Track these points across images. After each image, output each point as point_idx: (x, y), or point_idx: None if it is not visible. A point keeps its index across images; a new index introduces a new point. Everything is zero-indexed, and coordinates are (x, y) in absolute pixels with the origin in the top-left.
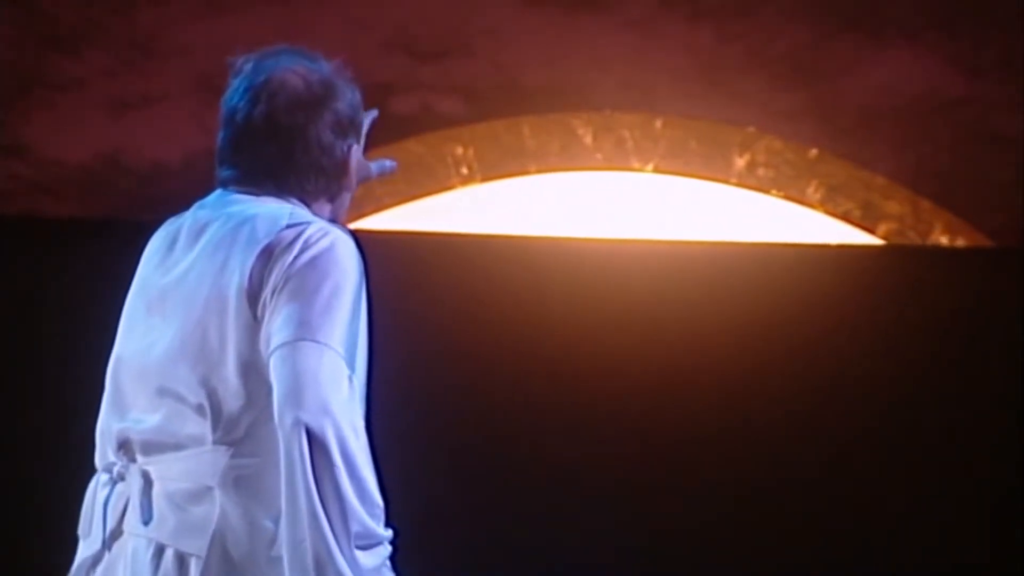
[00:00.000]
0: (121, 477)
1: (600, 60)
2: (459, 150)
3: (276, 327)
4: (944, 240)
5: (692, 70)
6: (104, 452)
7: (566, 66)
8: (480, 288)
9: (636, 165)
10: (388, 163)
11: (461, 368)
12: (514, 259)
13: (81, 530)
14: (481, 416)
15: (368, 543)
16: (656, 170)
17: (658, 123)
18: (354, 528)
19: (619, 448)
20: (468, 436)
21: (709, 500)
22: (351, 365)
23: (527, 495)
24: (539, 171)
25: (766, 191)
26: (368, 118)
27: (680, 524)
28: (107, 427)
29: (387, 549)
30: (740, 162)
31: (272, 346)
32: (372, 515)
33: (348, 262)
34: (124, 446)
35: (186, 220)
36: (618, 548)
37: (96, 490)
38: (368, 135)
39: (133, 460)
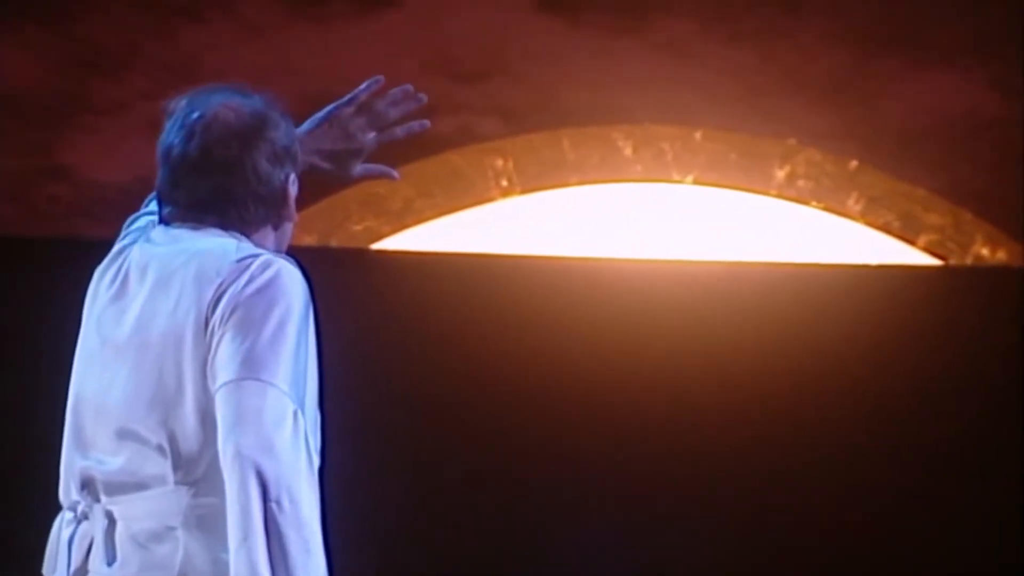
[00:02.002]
0: (85, 516)
1: (640, 81)
2: (499, 162)
3: (221, 364)
4: (985, 252)
5: (732, 91)
6: (68, 489)
7: (606, 88)
8: (514, 309)
9: (676, 177)
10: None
11: (488, 389)
12: (546, 280)
13: (46, 568)
14: (513, 440)
15: None
16: (696, 182)
17: (698, 135)
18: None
19: (659, 474)
20: (495, 459)
21: (737, 522)
22: (297, 400)
23: (542, 513)
24: (579, 183)
25: (806, 203)
26: (392, 89)
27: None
28: (70, 464)
29: None
30: (780, 174)
31: (217, 383)
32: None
33: (293, 293)
34: (88, 485)
35: (132, 255)
36: None
37: (60, 528)
38: (379, 110)
39: (97, 500)
